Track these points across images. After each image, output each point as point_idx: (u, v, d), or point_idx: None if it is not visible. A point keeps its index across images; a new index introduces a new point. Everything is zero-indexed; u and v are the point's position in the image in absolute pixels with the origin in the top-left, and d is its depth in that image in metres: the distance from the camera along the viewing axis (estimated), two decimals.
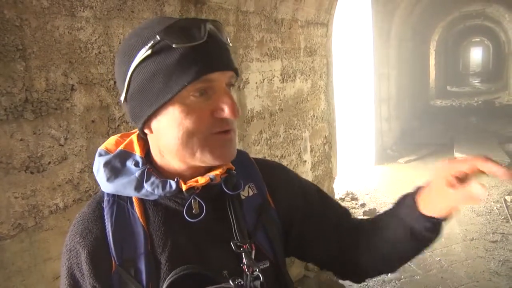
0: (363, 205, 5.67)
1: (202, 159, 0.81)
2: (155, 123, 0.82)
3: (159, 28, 0.78)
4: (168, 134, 0.81)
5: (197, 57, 0.77)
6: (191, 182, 0.84)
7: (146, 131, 0.85)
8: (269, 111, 3.90)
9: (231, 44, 0.86)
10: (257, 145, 3.67)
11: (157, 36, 0.77)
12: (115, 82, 2.06)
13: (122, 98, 0.86)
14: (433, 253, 4.25)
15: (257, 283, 0.83)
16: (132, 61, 0.80)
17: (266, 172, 1.00)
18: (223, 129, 0.81)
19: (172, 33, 0.77)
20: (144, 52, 0.78)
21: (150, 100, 0.79)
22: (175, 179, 0.83)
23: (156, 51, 0.77)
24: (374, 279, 3.85)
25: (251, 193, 0.95)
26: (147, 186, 0.83)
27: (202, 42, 0.77)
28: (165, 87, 0.77)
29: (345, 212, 1.08)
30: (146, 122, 0.83)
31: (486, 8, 13.91)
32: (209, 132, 0.80)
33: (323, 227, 1.02)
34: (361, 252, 1.00)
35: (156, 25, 0.80)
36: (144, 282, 0.81)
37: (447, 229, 4.80)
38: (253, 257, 0.86)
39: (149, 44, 0.77)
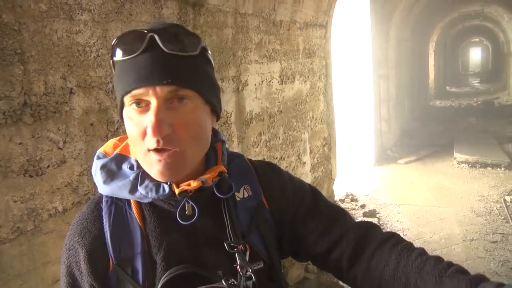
0: (363, 206, 5.67)
1: (148, 170, 0.83)
2: None
3: (115, 38, 0.83)
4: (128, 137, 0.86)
5: (129, 70, 0.78)
6: (184, 186, 0.84)
7: None
8: (268, 113, 3.90)
9: (196, 53, 0.81)
10: (256, 147, 3.67)
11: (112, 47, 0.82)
12: (113, 85, 2.06)
13: None
14: (433, 254, 4.26)
15: (250, 283, 0.83)
16: None
17: (261, 173, 1.01)
18: (156, 147, 0.77)
19: (117, 45, 0.81)
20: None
21: (118, 107, 0.85)
22: (168, 183, 0.84)
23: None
24: None
25: (246, 195, 0.95)
26: (141, 189, 0.84)
27: (137, 55, 0.78)
28: (116, 97, 0.83)
29: (343, 218, 1.00)
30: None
31: (485, 9, 13.93)
32: (146, 147, 0.79)
33: (316, 225, 0.98)
34: (358, 271, 0.92)
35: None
36: (141, 281, 0.83)
37: (447, 229, 4.81)
38: (247, 257, 0.87)
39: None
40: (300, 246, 1.00)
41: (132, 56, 0.78)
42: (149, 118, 0.76)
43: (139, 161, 0.85)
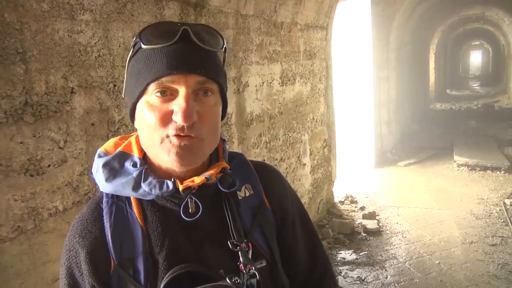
0: (362, 208, 5.67)
1: (162, 158, 0.83)
2: (135, 119, 0.88)
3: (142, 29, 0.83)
4: (140, 129, 0.86)
5: (160, 58, 0.79)
6: (188, 182, 0.85)
7: (135, 124, 0.90)
8: (269, 114, 3.90)
9: (221, 50, 0.86)
10: (257, 148, 3.68)
11: (135, 37, 0.82)
12: (114, 85, 2.06)
13: (123, 92, 0.92)
14: (432, 256, 4.25)
15: (254, 281, 0.84)
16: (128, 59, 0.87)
17: (263, 174, 1.02)
18: (177, 133, 0.79)
19: (146, 34, 0.81)
20: (131, 52, 0.85)
21: (130, 96, 0.85)
22: (172, 179, 0.85)
23: (136, 51, 0.84)
24: (373, 282, 3.84)
25: (247, 194, 0.96)
26: (144, 186, 0.84)
27: (170, 44, 0.79)
28: (135, 84, 0.82)
29: (317, 257, 1.07)
30: (133, 116, 0.88)
31: (486, 12, 13.94)
32: (166, 133, 0.80)
33: (295, 247, 1.02)
34: None
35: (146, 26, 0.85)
36: (143, 281, 0.82)
37: (447, 232, 4.80)
38: (250, 256, 0.87)
39: (132, 44, 0.84)
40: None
41: (165, 44, 0.79)
42: (179, 104, 0.78)
43: (151, 150, 0.85)
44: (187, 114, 0.77)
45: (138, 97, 0.82)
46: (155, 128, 0.80)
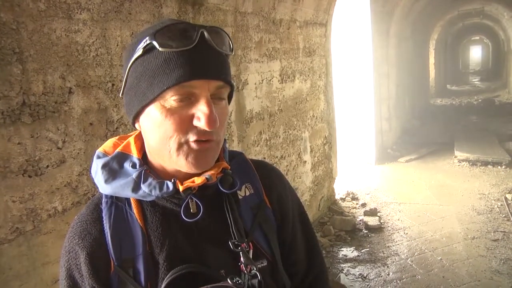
0: (363, 204, 5.66)
1: (177, 163, 0.82)
2: (142, 121, 0.85)
3: (154, 29, 0.79)
4: (150, 133, 0.83)
5: (181, 62, 0.77)
6: (188, 183, 0.84)
7: (136, 126, 0.88)
8: (269, 111, 3.89)
9: (231, 53, 0.85)
10: (257, 146, 3.66)
11: (147, 38, 0.78)
12: (113, 85, 2.05)
13: (121, 92, 0.89)
14: (434, 253, 4.24)
15: (255, 281, 0.83)
16: (131, 58, 0.82)
17: (263, 173, 1.01)
18: (200, 139, 0.79)
19: (162, 36, 0.78)
20: (138, 51, 0.80)
21: (138, 98, 0.82)
22: (172, 180, 0.84)
23: (146, 52, 0.80)
24: (375, 279, 3.84)
25: (248, 193, 0.95)
26: (144, 188, 0.83)
27: (189, 48, 0.78)
28: (149, 87, 0.79)
29: (315, 256, 1.06)
30: (136, 118, 0.86)
31: (485, 7, 13.91)
32: (185, 138, 0.79)
33: (294, 247, 1.02)
34: None
35: (155, 26, 0.81)
36: (143, 282, 0.82)
37: (448, 228, 4.80)
38: (250, 256, 0.87)
39: (141, 45, 0.80)
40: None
41: (184, 48, 0.78)
42: (202, 109, 0.78)
43: (163, 155, 0.83)
44: (211, 120, 0.77)
45: (151, 100, 0.80)
46: (172, 133, 0.79)
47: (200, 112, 0.78)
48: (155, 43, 0.78)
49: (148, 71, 0.79)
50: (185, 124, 0.79)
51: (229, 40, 0.85)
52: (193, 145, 0.79)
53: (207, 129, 0.78)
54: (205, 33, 0.79)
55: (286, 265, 0.98)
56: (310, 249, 1.05)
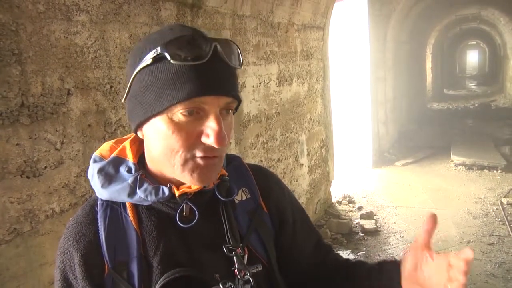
0: (360, 208, 5.67)
1: (180, 176, 0.81)
2: (146, 130, 0.84)
3: (166, 39, 0.77)
4: (154, 144, 0.82)
5: (193, 76, 0.75)
6: (184, 188, 0.84)
7: (139, 134, 0.87)
8: (266, 114, 3.90)
9: (240, 67, 0.84)
10: (254, 149, 3.67)
11: (159, 48, 0.76)
12: (111, 86, 2.06)
13: (124, 97, 0.87)
14: None
15: (248, 286, 0.84)
16: (138, 65, 0.79)
17: (260, 178, 1.01)
18: (206, 155, 0.78)
19: (174, 48, 0.76)
20: (146, 60, 0.78)
21: (143, 108, 0.80)
22: (168, 185, 0.84)
23: (155, 61, 0.77)
24: None
25: (244, 198, 0.96)
26: (140, 193, 0.84)
27: (202, 63, 0.76)
28: (157, 99, 0.77)
29: (322, 245, 1.10)
30: (139, 126, 0.84)
31: (482, 12, 13.98)
32: (191, 154, 0.78)
33: (298, 248, 1.03)
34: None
35: (166, 35, 0.79)
36: (137, 285, 0.82)
37: (444, 231, 4.81)
38: (245, 261, 0.87)
39: (151, 54, 0.77)
40: (283, 251, 1.01)
41: (197, 63, 0.75)
42: (211, 126, 0.77)
43: (165, 167, 0.83)
44: (221, 138, 0.76)
45: (158, 112, 0.78)
46: (178, 148, 0.78)
47: (210, 129, 0.77)
48: (166, 54, 0.75)
49: (157, 82, 0.77)
50: (192, 140, 0.78)
51: (239, 53, 0.84)
52: (199, 161, 0.79)
53: (216, 146, 0.77)
54: (218, 47, 0.77)
55: (294, 264, 1.01)
56: (317, 242, 1.09)
